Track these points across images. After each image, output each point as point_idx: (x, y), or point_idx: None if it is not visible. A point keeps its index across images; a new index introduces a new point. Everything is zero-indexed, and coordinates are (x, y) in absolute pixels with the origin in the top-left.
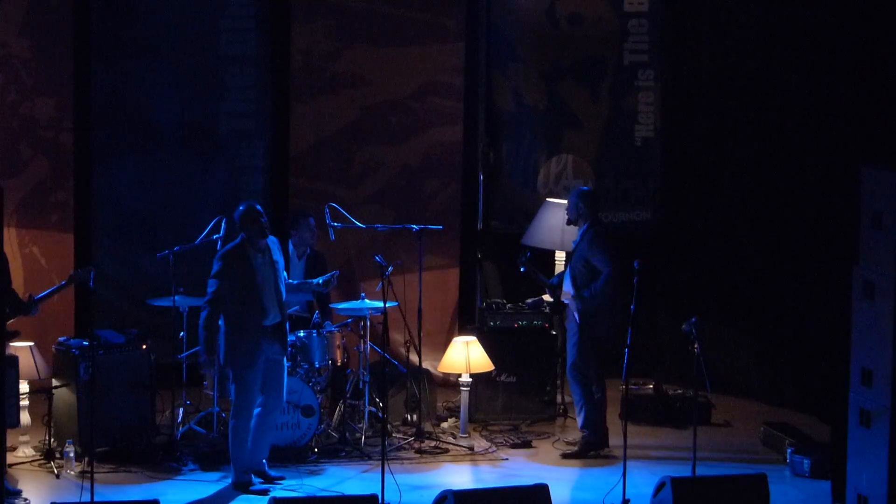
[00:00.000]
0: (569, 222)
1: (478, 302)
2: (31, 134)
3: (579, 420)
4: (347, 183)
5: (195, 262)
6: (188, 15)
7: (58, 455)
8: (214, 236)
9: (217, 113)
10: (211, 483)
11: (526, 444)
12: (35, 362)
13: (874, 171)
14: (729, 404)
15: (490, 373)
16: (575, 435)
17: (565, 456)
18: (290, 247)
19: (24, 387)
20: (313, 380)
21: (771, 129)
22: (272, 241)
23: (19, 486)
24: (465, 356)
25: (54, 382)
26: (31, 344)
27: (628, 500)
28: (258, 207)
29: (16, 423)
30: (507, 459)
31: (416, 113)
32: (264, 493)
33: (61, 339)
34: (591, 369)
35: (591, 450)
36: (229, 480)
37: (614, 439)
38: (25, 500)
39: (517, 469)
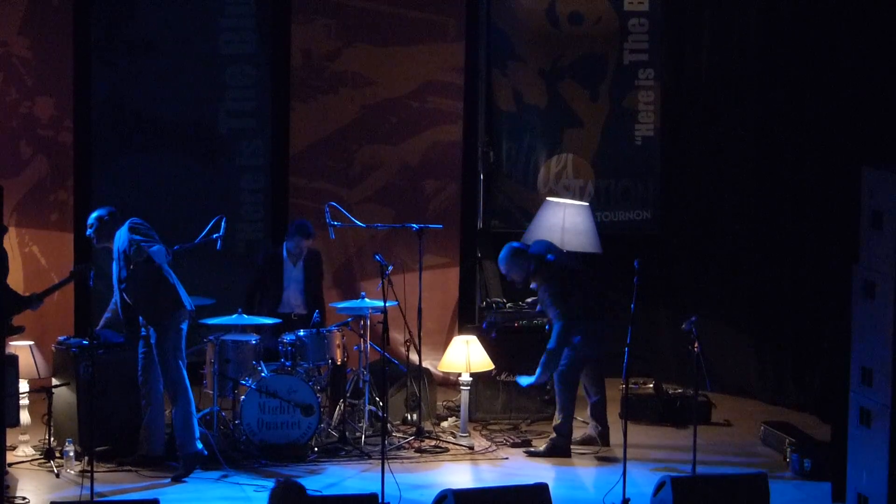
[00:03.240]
0: (521, 286)
1: (478, 301)
2: (30, 133)
3: (558, 418)
4: (347, 182)
5: (195, 262)
6: (188, 14)
7: (58, 454)
8: (214, 235)
9: (217, 112)
10: (211, 482)
11: (526, 444)
12: (35, 361)
13: (874, 171)
14: (729, 404)
15: (490, 372)
16: (579, 432)
17: (530, 454)
18: (284, 253)
19: (23, 386)
20: (313, 379)
21: (771, 128)
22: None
23: (19, 485)
24: (465, 355)
25: (54, 381)
26: (31, 343)
27: (628, 500)
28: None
29: (15, 422)
30: (507, 459)
31: (416, 112)
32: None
33: (61, 338)
34: (578, 377)
35: (558, 453)
36: (229, 479)
37: (614, 438)
38: (24, 499)
39: (517, 468)
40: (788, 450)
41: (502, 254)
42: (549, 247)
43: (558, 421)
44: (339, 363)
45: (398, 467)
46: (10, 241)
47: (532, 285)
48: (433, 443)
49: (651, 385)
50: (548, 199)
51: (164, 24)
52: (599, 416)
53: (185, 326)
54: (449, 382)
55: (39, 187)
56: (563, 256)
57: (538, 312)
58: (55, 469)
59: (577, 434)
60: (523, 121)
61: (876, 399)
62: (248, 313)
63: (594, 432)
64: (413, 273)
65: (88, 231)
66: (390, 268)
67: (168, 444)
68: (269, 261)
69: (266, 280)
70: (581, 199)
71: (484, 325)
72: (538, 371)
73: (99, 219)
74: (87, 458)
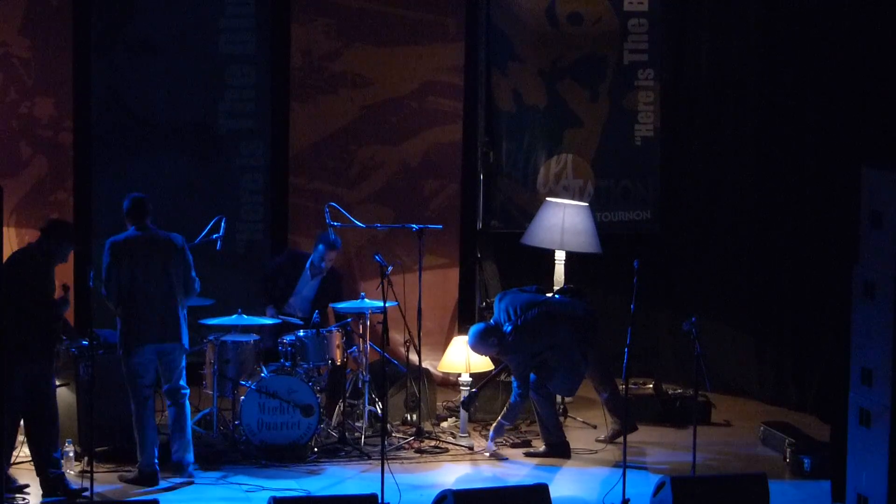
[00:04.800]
0: (497, 356)
1: (477, 301)
2: (30, 133)
3: (546, 435)
4: (347, 182)
5: (195, 262)
6: (188, 14)
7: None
8: (214, 236)
9: (216, 112)
10: (211, 483)
11: (526, 444)
12: None
13: (874, 171)
14: (729, 404)
15: (490, 372)
16: (606, 432)
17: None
18: (308, 263)
19: None
20: (313, 379)
21: (771, 128)
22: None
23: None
24: (465, 356)
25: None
26: None
27: (628, 500)
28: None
29: None
30: (507, 459)
31: (416, 112)
32: None
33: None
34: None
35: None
36: (228, 479)
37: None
38: (24, 498)
39: (517, 469)
40: (788, 450)
41: (470, 339)
42: (510, 307)
43: (543, 431)
44: (338, 363)
45: (398, 467)
46: (10, 241)
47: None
48: (433, 443)
49: (651, 385)
50: (547, 199)
51: (164, 24)
52: (615, 409)
53: (142, 355)
54: (448, 383)
55: (39, 187)
56: (530, 309)
57: None
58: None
59: (606, 434)
60: (523, 121)
61: (876, 399)
62: (273, 301)
63: (618, 426)
64: (413, 273)
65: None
66: (390, 268)
67: (168, 443)
68: (291, 262)
69: (278, 277)
70: (581, 199)
71: (463, 400)
72: (500, 420)
73: (125, 210)
74: (86, 458)
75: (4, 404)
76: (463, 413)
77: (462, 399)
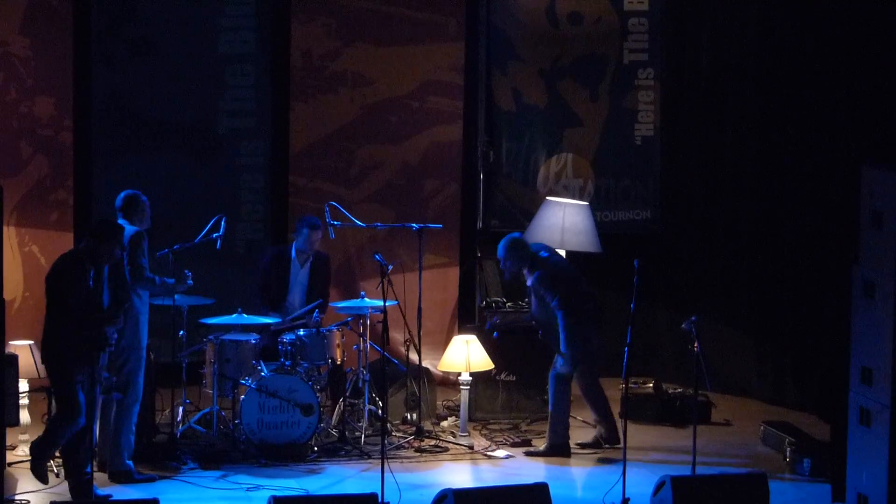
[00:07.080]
0: (512, 278)
1: (477, 301)
2: (30, 133)
3: (552, 425)
4: (347, 182)
5: (195, 261)
6: (188, 14)
7: (57, 454)
8: (214, 235)
9: (216, 112)
10: (211, 482)
11: (526, 443)
12: (35, 361)
13: (874, 171)
14: (729, 403)
15: (490, 371)
16: (588, 436)
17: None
18: (293, 252)
19: (23, 385)
20: (313, 378)
21: (771, 128)
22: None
23: (19, 485)
24: (465, 355)
25: None
26: (31, 342)
27: (628, 499)
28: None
29: (15, 421)
30: (507, 459)
31: (416, 112)
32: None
33: None
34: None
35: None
36: (228, 479)
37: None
38: (27, 501)
39: (517, 468)
40: (788, 450)
41: (503, 242)
42: (548, 248)
43: (551, 425)
44: (338, 363)
45: (398, 467)
46: (10, 241)
47: (528, 281)
48: (433, 442)
49: (651, 385)
50: (547, 198)
51: (164, 23)
52: (603, 415)
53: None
54: (449, 382)
55: (39, 187)
56: (561, 260)
57: (529, 320)
58: (55, 469)
59: (588, 437)
60: (523, 121)
61: (876, 399)
62: (268, 307)
63: (602, 435)
64: (413, 273)
65: None
66: (390, 267)
67: (167, 442)
68: (276, 260)
69: (270, 280)
70: (581, 199)
71: (487, 326)
72: (564, 362)
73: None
74: None
75: (72, 417)
76: (463, 412)
77: (488, 323)
